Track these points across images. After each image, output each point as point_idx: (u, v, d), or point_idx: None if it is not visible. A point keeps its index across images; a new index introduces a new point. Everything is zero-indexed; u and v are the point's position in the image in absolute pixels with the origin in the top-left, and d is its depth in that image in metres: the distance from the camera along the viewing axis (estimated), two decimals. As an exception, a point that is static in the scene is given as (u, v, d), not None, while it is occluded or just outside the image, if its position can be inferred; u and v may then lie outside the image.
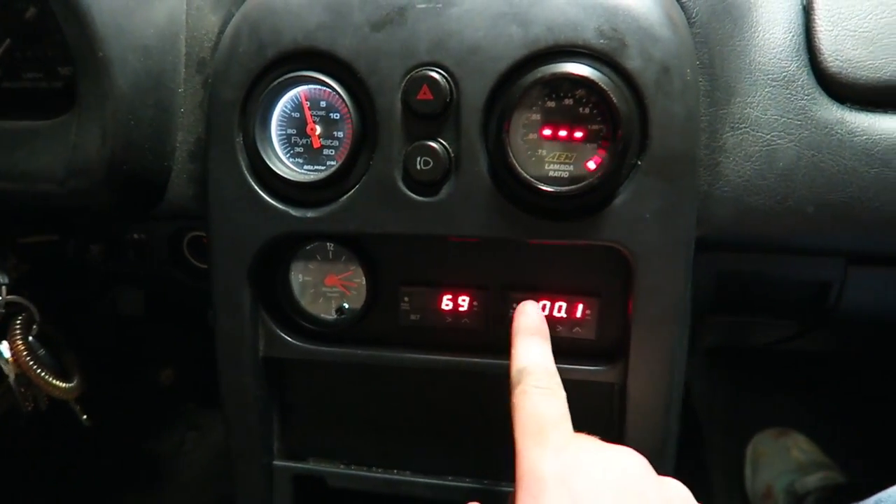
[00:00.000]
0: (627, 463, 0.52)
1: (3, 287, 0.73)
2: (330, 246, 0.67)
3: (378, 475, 0.69)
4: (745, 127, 0.59)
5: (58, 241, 0.91)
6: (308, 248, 0.67)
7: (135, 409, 1.57)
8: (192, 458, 1.55)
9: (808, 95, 0.59)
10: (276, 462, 0.71)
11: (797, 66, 0.59)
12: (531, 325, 0.58)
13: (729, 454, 1.44)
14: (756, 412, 1.45)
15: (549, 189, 0.56)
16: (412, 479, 0.68)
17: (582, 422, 0.67)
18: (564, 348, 0.65)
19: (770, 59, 0.59)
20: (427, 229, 0.60)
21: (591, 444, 0.52)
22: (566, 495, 0.47)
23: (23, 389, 0.74)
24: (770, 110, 0.59)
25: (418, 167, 0.58)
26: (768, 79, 0.59)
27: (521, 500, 0.48)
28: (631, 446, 0.63)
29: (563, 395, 0.54)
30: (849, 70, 0.58)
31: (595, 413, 0.66)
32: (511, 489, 0.57)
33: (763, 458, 1.40)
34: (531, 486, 0.48)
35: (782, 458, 1.38)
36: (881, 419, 0.97)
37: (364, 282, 0.67)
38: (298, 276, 0.69)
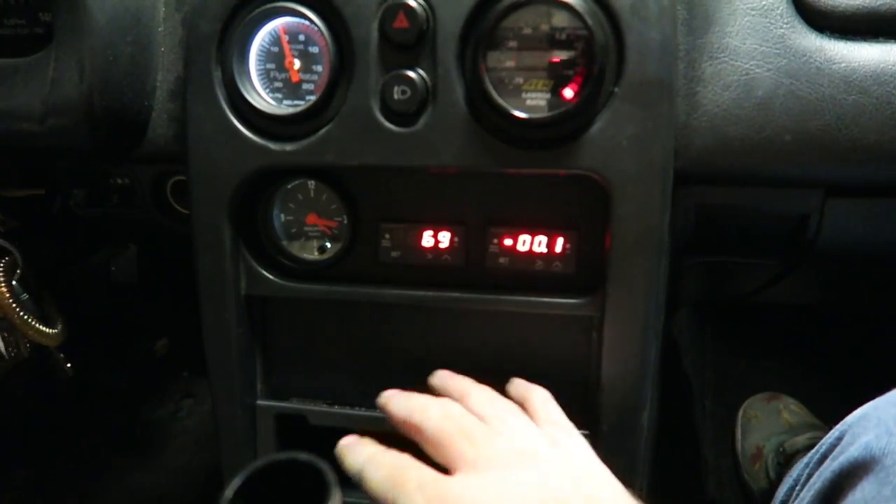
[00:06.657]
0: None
1: (-14, 229, 0.73)
2: (311, 184, 0.67)
3: (359, 412, 0.69)
4: (723, 56, 0.59)
5: (44, 197, 0.92)
6: (289, 186, 0.67)
7: (130, 378, 1.58)
8: (187, 424, 1.56)
9: (786, 24, 0.58)
10: (259, 402, 0.71)
11: (776, -5, 0.59)
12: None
13: (719, 417, 1.45)
14: (747, 376, 1.45)
15: (525, 116, 0.56)
16: None
17: (564, 360, 0.67)
18: (545, 284, 0.65)
19: (749, -12, 0.59)
20: (405, 160, 0.60)
21: None
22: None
23: (5, 334, 0.74)
24: (748, 39, 0.59)
25: (395, 97, 0.58)
26: (747, 8, 0.59)
27: None
28: (608, 380, 0.64)
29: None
30: (827, -2, 0.58)
31: (576, 350, 0.66)
32: None
33: (753, 421, 1.41)
34: None
35: (772, 420, 1.39)
36: (866, 372, 0.98)
37: (345, 220, 0.67)
38: (280, 216, 0.69)
